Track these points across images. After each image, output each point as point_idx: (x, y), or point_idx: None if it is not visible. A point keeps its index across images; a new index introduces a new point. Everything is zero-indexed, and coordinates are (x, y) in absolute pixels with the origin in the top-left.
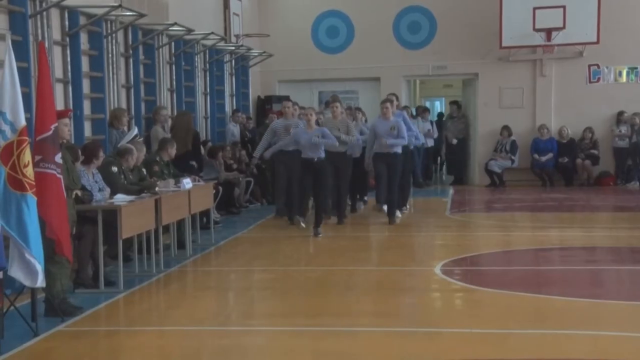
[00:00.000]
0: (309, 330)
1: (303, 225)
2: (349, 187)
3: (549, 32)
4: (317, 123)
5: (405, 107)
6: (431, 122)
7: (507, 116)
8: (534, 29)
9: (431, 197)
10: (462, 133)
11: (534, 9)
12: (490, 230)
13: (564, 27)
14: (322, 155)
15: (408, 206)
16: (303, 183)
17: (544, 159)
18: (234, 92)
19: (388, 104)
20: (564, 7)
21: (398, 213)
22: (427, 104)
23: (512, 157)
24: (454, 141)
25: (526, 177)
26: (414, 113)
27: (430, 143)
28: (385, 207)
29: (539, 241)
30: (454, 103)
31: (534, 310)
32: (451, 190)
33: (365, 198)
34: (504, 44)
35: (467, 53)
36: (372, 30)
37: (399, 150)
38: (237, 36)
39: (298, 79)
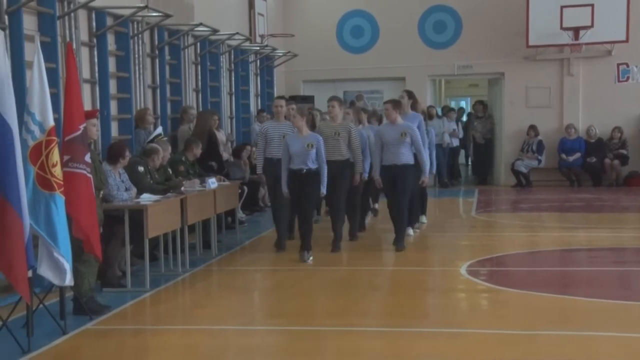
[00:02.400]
0: (333, 330)
1: (308, 259)
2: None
3: (576, 30)
4: (313, 125)
5: (430, 107)
6: (456, 122)
7: (533, 116)
8: (562, 28)
9: (456, 197)
10: (489, 133)
11: (562, 7)
12: (517, 231)
13: (592, 26)
14: (313, 166)
15: (425, 221)
16: (277, 199)
17: (571, 158)
18: (259, 92)
19: (389, 105)
20: (592, 5)
21: (410, 231)
22: (452, 104)
23: (539, 157)
24: (482, 141)
25: (553, 177)
26: (440, 113)
27: (455, 143)
28: (410, 231)
29: (566, 242)
30: (479, 103)
31: (560, 312)
32: (476, 191)
33: (376, 206)
34: (530, 43)
35: (493, 52)
36: (397, 30)
37: (410, 159)
38: (262, 36)
39: (322, 78)
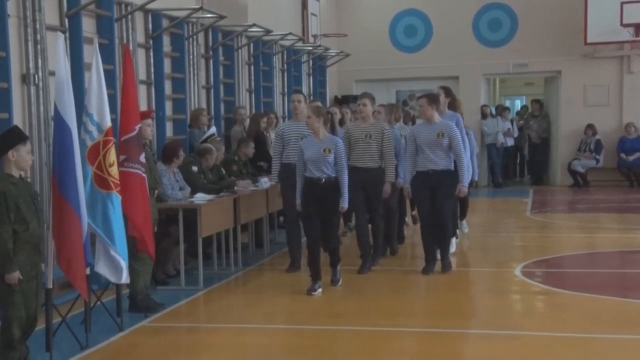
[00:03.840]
0: (386, 331)
1: (316, 292)
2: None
3: (637, 27)
4: (331, 125)
5: (484, 106)
6: (511, 121)
7: (591, 114)
8: (622, 24)
9: (511, 197)
10: (545, 132)
11: (622, 3)
12: (573, 232)
13: None
14: (333, 174)
15: (467, 229)
16: (294, 213)
17: (631, 158)
18: (312, 92)
19: (424, 100)
20: None
21: (455, 241)
22: (507, 103)
23: (597, 157)
24: (538, 140)
25: (612, 177)
26: (493, 112)
27: (510, 142)
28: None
29: (624, 243)
30: (536, 102)
31: (618, 315)
32: (531, 191)
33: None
34: (589, 40)
35: (550, 50)
36: (451, 29)
37: (449, 164)
38: (314, 36)
39: (375, 78)
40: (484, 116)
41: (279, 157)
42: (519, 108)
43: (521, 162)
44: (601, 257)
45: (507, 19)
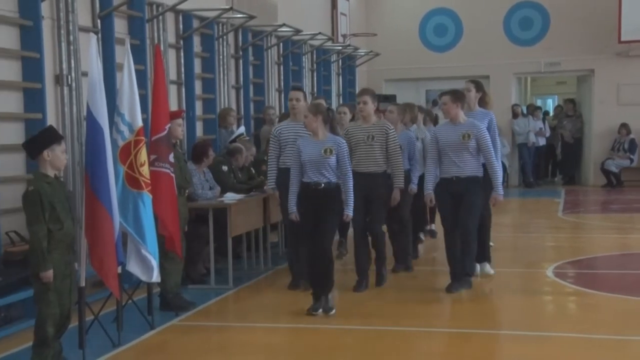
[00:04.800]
0: (414, 331)
1: (317, 312)
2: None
3: None
4: (331, 125)
5: (515, 105)
6: (543, 121)
7: (625, 113)
8: None
9: (542, 197)
10: (578, 132)
11: None
12: (607, 232)
13: None
14: (333, 179)
15: (483, 271)
16: (291, 223)
17: None
18: (341, 92)
19: (448, 97)
20: None
21: (479, 269)
22: (539, 102)
23: (631, 156)
24: (571, 140)
25: None
26: (524, 111)
27: (542, 142)
28: (478, 268)
29: None
30: (569, 101)
31: None
32: (563, 191)
33: (432, 227)
34: (622, 38)
35: (582, 48)
36: (482, 27)
37: (477, 170)
38: (344, 36)
39: (405, 77)
40: (515, 115)
41: (275, 162)
42: (552, 107)
43: (553, 162)
44: (635, 258)
45: (538, 17)
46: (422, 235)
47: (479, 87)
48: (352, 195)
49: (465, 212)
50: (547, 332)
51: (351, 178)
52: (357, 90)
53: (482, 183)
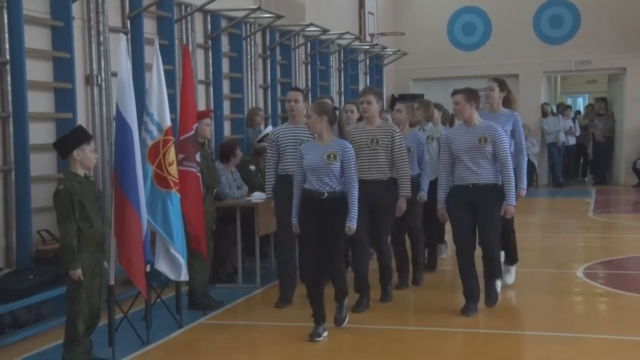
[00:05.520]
0: (441, 331)
1: (320, 337)
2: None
3: None
4: (340, 126)
5: (545, 105)
6: (573, 120)
7: None
8: None
9: (572, 197)
10: (610, 131)
11: None
12: (638, 233)
13: None
14: (338, 187)
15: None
16: (288, 235)
17: None
18: None
19: (461, 96)
20: None
21: (500, 283)
22: (569, 101)
23: None
24: (602, 139)
25: None
26: (554, 110)
27: (572, 141)
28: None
29: None
30: (601, 100)
31: None
32: (594, 191)
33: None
34: None
35: (614, 47)
36: (511, 26)
37: (496, 178)
38: (371, 35)
39: (433, 76)
40: (544, 114)
41: (273, 168)
42: (583, 106)
43: (584, 162)
44: None
45: (569, 15)
46: (442, 249)
47: (502, 85)
48: (357, 205)
49: (486, 228)
50: (578, 334)
51: (356, 187)
52: (385, 90)
53: (501, 191)
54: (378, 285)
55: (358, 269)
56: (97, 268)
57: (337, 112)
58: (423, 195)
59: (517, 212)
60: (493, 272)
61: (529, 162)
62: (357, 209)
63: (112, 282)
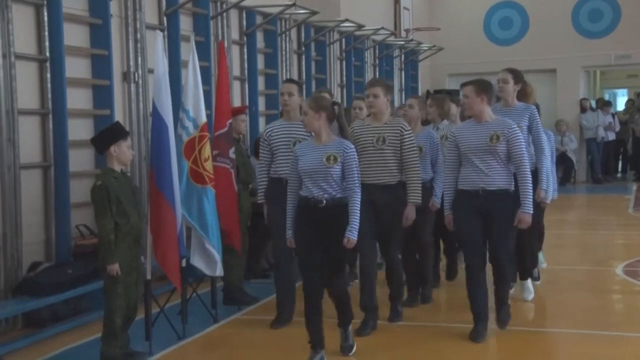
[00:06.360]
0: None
1: (346, 352)
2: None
3: None
4: (340, 125)
5: (584, 100)
6: (612, 115)
7: None
8: None
9: (611, 194)
10: None
11: None
12: None
13: None
14: (338, 193)
15: (543, 264)
16: (285, 246)
17: None
18: (403, 87)
19: (471, 88)
20: None
21: (529, 286)
22: (608, 96)
23: None
24: None
25: None
26: (593, 105)
27: (611, 137)
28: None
29: None
30: None
31: None
32: (634, 187)
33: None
34: None
35: None
36: (549, 20)
37: (510, 183)
38: (407, 31)
39: (469, 72)
40: (583, 110)
41: (266, 170)
42: (624, 101)
43: (624, 158)
44: None
45: (608, 9)
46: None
47: (517, 77)
48: (358, 215)
49: (497, 244)
50: (617, 332)
51: (359, 194)
52: (420, 85)
53: (516, 199)
54: (387, 302)
55: (362, 287)
56: (134, 263)
57: (337, 108)
58: (436, 202)
59: (555, 208)
60: (505, 292)
61: (567, 159)
62: (358, 218)
63: (148, 276)
